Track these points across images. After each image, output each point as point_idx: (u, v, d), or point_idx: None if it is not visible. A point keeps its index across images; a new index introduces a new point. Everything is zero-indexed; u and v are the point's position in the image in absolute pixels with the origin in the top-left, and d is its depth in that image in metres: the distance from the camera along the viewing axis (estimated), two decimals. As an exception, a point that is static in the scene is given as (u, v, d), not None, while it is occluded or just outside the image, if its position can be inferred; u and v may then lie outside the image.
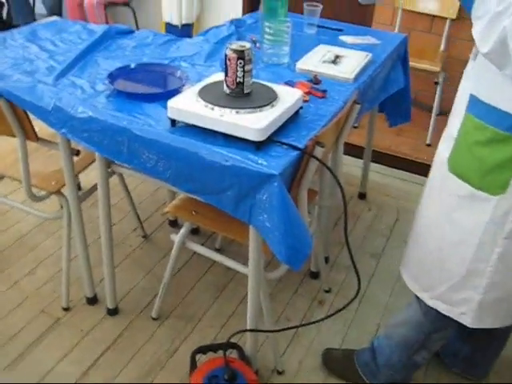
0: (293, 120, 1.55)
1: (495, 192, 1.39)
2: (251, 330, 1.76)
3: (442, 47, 3.52)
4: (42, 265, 2.37)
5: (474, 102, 1.40)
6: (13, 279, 2.28)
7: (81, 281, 2.16)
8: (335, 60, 1.99)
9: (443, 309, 1.60)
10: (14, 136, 1.84)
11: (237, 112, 1.44)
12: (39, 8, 4.63)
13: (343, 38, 2.30)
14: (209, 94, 1.52)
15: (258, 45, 2.13)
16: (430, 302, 1.62)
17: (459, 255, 1.52)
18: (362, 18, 3.70)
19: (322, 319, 1.82)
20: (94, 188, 2.00)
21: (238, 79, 1.49)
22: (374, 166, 2.97)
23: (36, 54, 2.00)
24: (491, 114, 1.35)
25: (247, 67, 1.48)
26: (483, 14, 1.24)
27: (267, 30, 1.97)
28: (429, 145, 3.38)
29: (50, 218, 2.24)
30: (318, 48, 2.10)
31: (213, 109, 1.45)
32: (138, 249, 2.49)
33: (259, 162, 1.36)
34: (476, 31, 1.27)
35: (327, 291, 2.31)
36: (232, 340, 1.82)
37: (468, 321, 1.57)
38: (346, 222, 1.60)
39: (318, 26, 2.37)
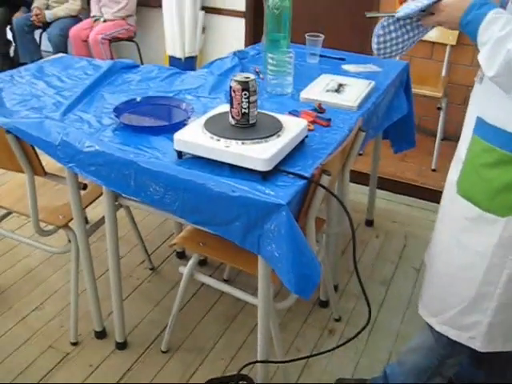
0: (299, 149, 1.56)
1: (504, 213, 1.39)
2: (262, 362, 1.74)
3: (444, 73, 3.56)
4: (50, 299, 2.36)
5: (481, 125, 1.41)
6: (20, 315, 2.27)
7: (89, 315, 2.15)
8: (338, 89, 2.00)
9: (452, 334, 1.58)
10: (21, 171, 1.85)
11: (243, 143, 1.45)
12: (45, 45, 4.71)
13: (345, 66, 2.32)
14: (214, 126, 1.53)
15: (261, 76, 2.16)
16: (439, 328, 1.60)
17: (468, 279, 1.51)
18: (362, 46, 3.75)
19: (333, 349, 1.80)
20: (102, 221, 2.01)
21: (243, 110, 1.50)
22: (379, 192, 2.97)
23: (43, 90, 2.03)
24: (498, 136, 1.36)
25: (252, 98, 1.49)
26: (487, 39, 1.26)
27: (270, 60, 2.00)
28: (434, 170, 3.38)
29: (57, 253, 2.24)
30: (321, 77, 2.12)
31: (219, 140, 1.47)
32: (146, 281, 2.48)
33: (266, 192, 1.37)
34: (481, 56, 1.29)
35: (337, 320, 2.29)
36: (243, 372, 1.79)
37: (477, 345, 1.55)
38: (354, 250, 1.59)
39: (320, 56, 2.40)
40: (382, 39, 1.52)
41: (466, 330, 1.55)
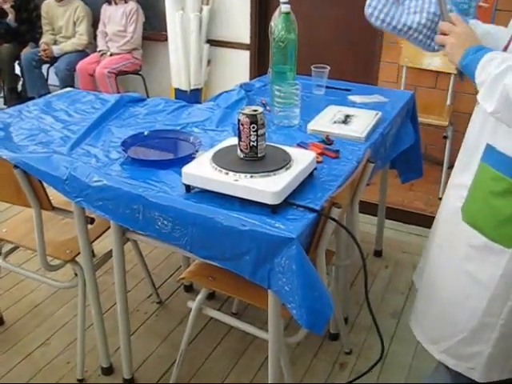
0: (308, 182, 1.55)
1: (510, 244, 1.37)
2: (273, 399, 1.70)
3: (448, 102, 3.57)
4: (56, 335, 2.33)
5: (491, 152, 1.40)
6: (26, 351, 2.24)
7: (96, 350, 2.12)
8: (346, 120, 2.00)
9: (451, 363, 1.57)
10: (29, 206, 1.85)
11: (252, 176, 1.44)
12: (52, 79, 4.77)
13: (352, 97, 2.33)
14: (223, 159, 1.52)
15: (268, 108, 2.16)
16: (438, 356, 1.59)
17: (470, 308, 1.49)
18: (367, 76, 3.78)
19: (346, 384, 1.76)
20: (109, 255, 1.99)
21: (251, 143, 1.50)
22: (387, 222, 2.95)
23: (51, 124, 2.04)
24: (507, 165, 1.35)
25: (260, 131, 1.49)
26: (485, 78, 1.28)
27: (277, 93, 2.01)
28: (440, 198, 3.36)
29: (64, 288, 2.22)
30: (327, 109, 2.13)
31: (227, 173, 1.46)
32: (154, 316, 2.45)
33: (276, 225, 1.35)
34: (480, 95, 1.31)
35: (348, 353, 2.24)
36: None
37: (476, 376, 1.53)
38: (366, 282, 1.57)
39: (327, 87, 2.41)
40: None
41: (466, 360, 1.53)
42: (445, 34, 1.44)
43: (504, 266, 1.39)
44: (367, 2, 1.59)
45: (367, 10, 1.60)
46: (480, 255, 1.44)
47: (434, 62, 3.55)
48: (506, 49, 1.39)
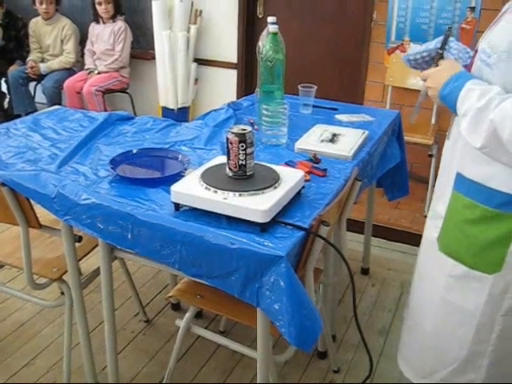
0: (296, 200, 1.56)
1: (490, 270, 1.38)
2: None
3: (433, 121, 3.62)
4: (42, 354, 2.30)
5: (462, 181, 1.42)
6: (11, 370, 2.21)
7: (82, 369, 2.09)
8: (333, 139, 2.03)
9: None
10: (16, 224, 1.84)
11: (240, 194, 1.45)
12: (39, 97, 4.77)
13: (339, 116, 2.36)
14: (211, 178, 1.53)
15: (256, 127, 2.18)
16: None
17: (458, 338, 1.49)
18: (353, 96, 3.82)
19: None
20: (96, 273, 1.98)
21: (240, 162, 1.51)
22: (374, 240, 2.97)
23: (39, 142, 2.04)
24: (480, 192, 1.37)
25: (249, 150, 1.50)
26: (466, 111, 1.29)
27: (265, 112, 2.03)
28: (426, 216, 3.39)
29: (51, 306, 2.20)
30: (315, 128, 2.15)
31: (216, 192, 1.47)
32: (141, 334, 2.43)
33: (265, 243, 1.36)
34: (464, 128, 1.31)
35: (336, 371, 2.24)
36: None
37: None
38: (354, 300, 1.58)
39: (314, 106, 2.44)
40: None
41: None
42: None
43: (487, 293, 1.40)
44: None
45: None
46: (461, 284, 1.45)
47: (418, 81, 3.59)
48: (469, 68, 1.42)
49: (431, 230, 1.56)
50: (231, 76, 4.37)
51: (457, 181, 1.44)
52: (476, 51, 1.42)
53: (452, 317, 1.49)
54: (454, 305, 1.48)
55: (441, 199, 1.53)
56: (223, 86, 4.43)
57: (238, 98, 3.60)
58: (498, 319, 1.42)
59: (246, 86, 4.32)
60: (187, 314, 1.83)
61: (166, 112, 4.33)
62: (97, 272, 1.92)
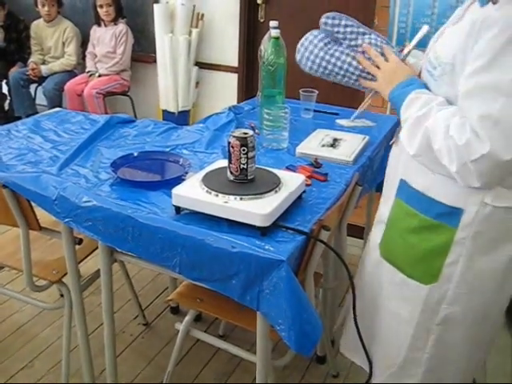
0: (297, 204, 1.56)
1: (427, 281, 1.39)
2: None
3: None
4: (40, 357, 2.30)
5: (404, 188, 1.43)
6: (9, 373, 2.21)
7: (80, 372, 2.09)
8: (334, 143, 2.03)
9: None
10: (16, 226, 1.84)
11: (241, 198, 1.45)
12: (40, 99, 4.77)
13: (340, 121, 2.36)
14: (212, 181, 1.53)
15: (257, 131, 2.18)
16: None
17: (396, 344, 1.50)
18: (354, 101, 3.82)
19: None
20: (95, 276, 1.98)
21: (241, 166, 1.51)
22: (374, 244, 2.97)
23: (40, 144, 2.04)
24: (420, 201, 1.37)
25: (250, 154, 1.50)
26: (406, 118, 1.31)
27: (266, 116, 2.03)
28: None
29: (50, 309, 2.20)
30: (316, 132, 2.15)
31: (217, 195, 1.47)
32: (140, 337, 2.43)
33: (266, 247, 1.36)
34: (402, 134, 1.33)
35: (335, 376, 2.24)
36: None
37: None
38: (354, 305, 1.58)
39: (315, 111, 2.44)
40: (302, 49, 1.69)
41: None
42: (377, 67, 1.48)
43: (423, 302, 1.41)
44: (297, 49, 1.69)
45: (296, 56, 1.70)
46: (399, 292, 1.46)
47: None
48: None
49: (375, 236, 1.58)
50: (232, 80, 4.38)
51: (400, 187, 1.45)
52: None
53: (390, 323, 1.51)
54: (393, 311, 1.49)
55: (385, 204, 1.54)
56: (224, 90, 4.44)
57: (238, 102, 3.60)
58: (434, 328, 1.42)
59: (247, 89, 4.33)
60: (186, 318, 1.83)
61: (167, 115, 4.34)
62: (96, 274, 1.92)
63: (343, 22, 1.65)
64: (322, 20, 1.66)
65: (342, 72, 1.66)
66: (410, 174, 1.42)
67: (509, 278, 1.38)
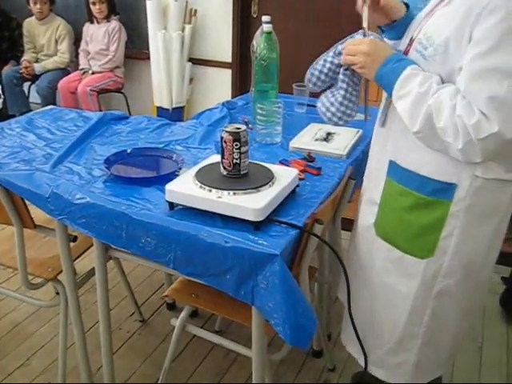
0: (290, 198, 1.56)
1: (423, 256, 1.44)
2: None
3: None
4: (37, 355, 2.30)
5: (394, 168, 1.47)
6: (5, 371, 2.21)
7: (77, 370, 2.09)
8: (327, 137, 2.03)
9: (380, 374, 1.63)
10: (10, 224, 1.84)
11: (234, 193, 1.45)
12: (34, 97, 4.75)
13: (333, 115, 2.35)
14: (206, 176, 1.53)
15: (250, 126, 2.18)
16: (368, 368, 1.65)
17: (393, 319, 1.55)
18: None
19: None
20: (91, 273, 1.98)
21: (234, 161, 1.51)
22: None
23: (33, 142, 2.03)
24: (413, 180, 1.42)
25: (243, 149, 1.50)
26: (405, 94, 1.33)
27: (259, 111, 2.03)
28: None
29: (46, 306, 2.19)
30: (309, 126, 2.15)
31: (210, 191, 1.47)
32: (136, 334, 2.43)
33: (259, 242, 1.36)
34: (403, 110, 1.35)
35: (331, 370, 2.25)
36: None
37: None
38: (349, 299, 1.58)
39: (308, 105, 2.44)
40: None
41: (394, 370, 1.60)
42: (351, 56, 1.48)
43: (420, 277, 1.46)
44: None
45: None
46: (397, 268, 1.51)
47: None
48: (406, 54, 1.45)
49: (367, 216, 1.61)
50: (226, 75, 4.37)
51: (390, 168, 1.50)
52: (411, 40, 1.44)
53: (388, 298, 1.55)
54: (391, 287, 1.53)
55: (375, 186, 1.57)
56: (218, 86, 4.43)
57: (232, 98, 3.59)
58: (430, 302, 1.48)
59: (241, 85, 4.32)
60: (182, 314, 1.83)
61: (161, 112, 4.33)
62: (92, 272, 1.92)
63: (316, 74, 1.66)
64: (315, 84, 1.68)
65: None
66: (400, 153, 1.46)
67: (495, 247, 1.48)
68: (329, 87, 1.66)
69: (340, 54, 1.56)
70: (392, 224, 1.50)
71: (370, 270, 1.59)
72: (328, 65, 1.61)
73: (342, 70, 1.56)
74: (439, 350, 1.57)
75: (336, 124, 1.64)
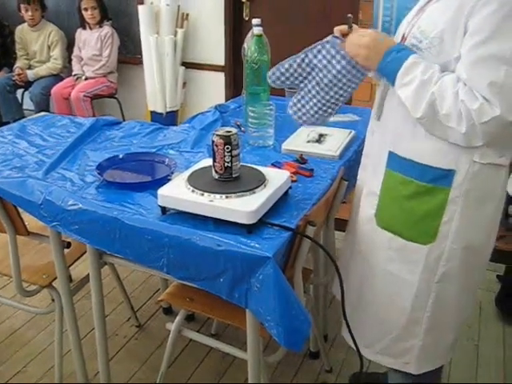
0: (283, 201, 1.57)
1: (426, 241, 1.48)
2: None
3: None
4: (34, 362, 2.29)
5: (394, 159, 1.51)
6: (2, 379, 2.20)
7: (74, 376, 2.09)
8: (319, 139, 2.03)
9: (387, 362, 1.66)
10: (3, 232, 1.83)
11: (227, 196, 1.45)
12: (27, 104, 4.75)
13: (325, 117, 2.36)
14: (198, 180, 1.53)
15: (242, 129, 2.18)
16: (373, 358, 1.68)
17: (398, 307, 1.57)
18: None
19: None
20: (86, 279, 1.97)
21: (226, 164, 1.51)
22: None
23: (25, 149, 2.03)
24: (413, 169, 1.46)
25: (234, 152, 1.51)
26: (409, 81, 1.37)
27: (251, 113, 2.03)
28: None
29: (41, 313, 2.19)
30: (301, 128, 2.15)
31: (202, 194, 1.47)
32: (133, 339, 2.43)
33: (252, 244, 1.36)
34: (406, 97, 1.39)
35: (328, 371, 2.25)
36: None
37: (412, 369, 1.62)
38: (343, 299, 1.58)
39: (300, 107, 2.43)
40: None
41: (400, 356, 1.62)
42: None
43: (423, 262, 1.50)
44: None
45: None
46: (400, 256, 1.54)
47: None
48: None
49: (367, 207, 1.63)
50: (219, 79, 4.37)
51: (390, 159, 1.53)
52: (403, 37, 1.49)
53: (392, 286, 1.57)
54: (394, 275, 1.56)
55: (374, 178, 1.59)
56: (211, 89, 4.43)
57: (226, 101, 3.60)
58: (434, 286, 1.51)
59: (235, 88, 4.32)
60: (177, 318, 1.83)
61: (155, 116, 4.33)
62: (87, 278, 1.91)
63: (282, 70, 1.66)
64: (274, 82, 1.71)
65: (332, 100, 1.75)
66: (399, 144, 1.49)
67: (493, 229, 1.53)
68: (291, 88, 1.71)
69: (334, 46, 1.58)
70: (393, 213, 1.54)
71: (372, 260, 1.61)
72: (295, 67, 1.65)
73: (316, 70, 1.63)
74: (443, 335, 1.60)
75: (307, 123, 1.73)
